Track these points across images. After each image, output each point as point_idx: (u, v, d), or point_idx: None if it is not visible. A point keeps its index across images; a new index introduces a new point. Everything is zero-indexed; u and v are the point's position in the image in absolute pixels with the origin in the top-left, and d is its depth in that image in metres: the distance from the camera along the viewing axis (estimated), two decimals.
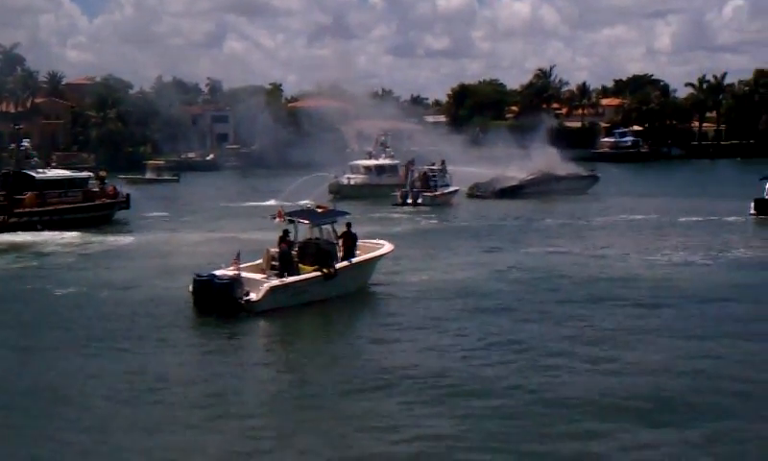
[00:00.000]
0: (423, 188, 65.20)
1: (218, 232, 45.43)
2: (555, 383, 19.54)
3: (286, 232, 28.36)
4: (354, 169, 74.74)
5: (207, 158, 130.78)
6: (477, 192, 70.29)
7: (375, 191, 69.23)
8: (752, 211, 51.45)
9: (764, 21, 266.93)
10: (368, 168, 74.05)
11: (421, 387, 19.22)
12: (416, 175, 67.29)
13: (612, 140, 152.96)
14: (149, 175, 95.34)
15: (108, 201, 54.82)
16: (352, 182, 72.50)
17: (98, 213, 52.98)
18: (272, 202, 57.54)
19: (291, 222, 28.80)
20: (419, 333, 24.31)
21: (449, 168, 69.46)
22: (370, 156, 76.57)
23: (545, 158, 76.32)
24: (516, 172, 73.36)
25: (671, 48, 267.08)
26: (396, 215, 58.02)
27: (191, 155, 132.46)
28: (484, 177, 72.50)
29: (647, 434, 16.56)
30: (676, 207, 57.50)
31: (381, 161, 74.41)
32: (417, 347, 22.85)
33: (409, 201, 63.59)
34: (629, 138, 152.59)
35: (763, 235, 45.69)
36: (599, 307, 27.45)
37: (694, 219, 51.40)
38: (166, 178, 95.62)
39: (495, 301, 28.62)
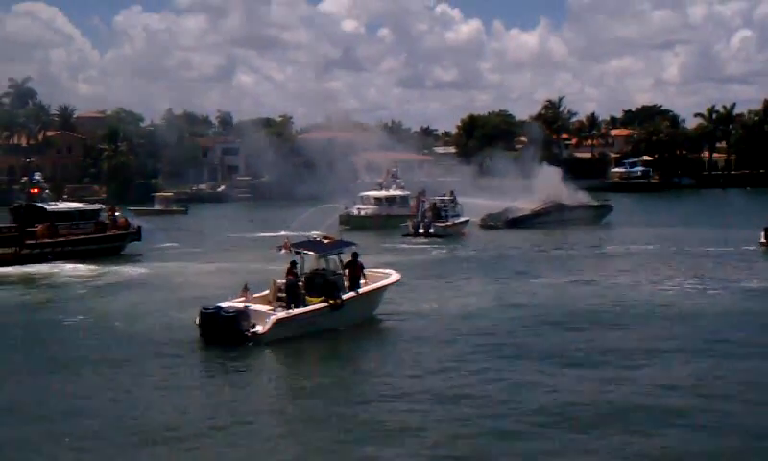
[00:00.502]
0: (435, 219, 65.26)
1: (228, 263, 45.47)
2: (568, 412, 19.35)
3: (294, 264, 28.23)
4: (365, 200, 74.88)
5: (218, 190, 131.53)
6: (489, 222, 70.31)
7: (386, 222, 69.34)
8: (762, 240, 51.26)
9: None
10: (378, 199, 74.18)
11: (430, 422, 18.97)
12: (427, 205, 67.37)
13: (623, 170, 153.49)
14: (157, 206, 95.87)
15: (120, 232, 54.89)
16: (363, 213, 72.64)
17: (109, 245, 53.00)
18: (282, 233, 57.53)
19: (297, 253, 28.67)
20: (425, 365, 24.05)
21: (459, 199, 69.64)
22: (380, 187, 76.70)
23: (549, 182, 76.36)
24: (527, 202, 73.39)
25: (679, 79, 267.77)
26: (406, 246, 57.97)
27: (202, 186, 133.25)
28: (492, 207, 72.59)
29: None
30: (686, 237, 57.38)
31: (392, 192, 74.56)
32: (423, 379, 22.59)
33: (421, 231, 63.59)
34: (639, 168, 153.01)
35: None
36: (608, 334, 27.44)
37: (705, 249, 51.21)
38: (174, 209, 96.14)
39: (504, 331, 28.43)
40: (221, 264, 45.51)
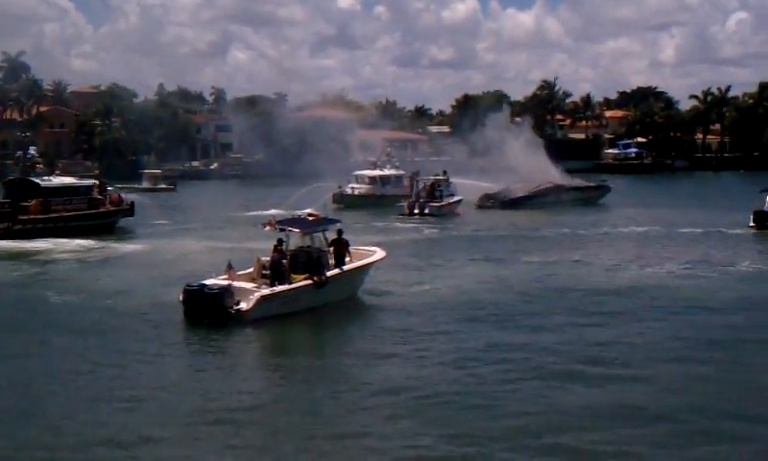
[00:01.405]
0: (429, 198, 65.23)
1: (220, 241, 45.33)
2: (554, 396, 19.33)
3: (280, 241, 28.17)
4: (359, 179, 74.90)
5: (211, 167, 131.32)
6: (487, 203, 70.26)
7: (380, 201, 69.48)
8: (751, 224, 51.27)
9: (767, 34, 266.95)
10: (372, 178, 74.20)
11: (410, 399, 19.00)
12: (421, 185, 67.35)
13: (617, 152, 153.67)
14: (145, 184, 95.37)
15: (113, 208, 54.84)
16: (356, 192, 72.63)
17: (102, 221, 52.97)
18: (275, 211, 57.50)
19: (282, 230, 28.67)
20: (409, 343, 24.05)
21: (453, 179, 69.66)
22: (375, 166, 76.72)
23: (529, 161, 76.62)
24: (524, 183, 73.34)
25: (675, 60, 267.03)
26: (400, 225, 57.97)
27: (195, 163, 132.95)
28: (485, 188, 72.49)
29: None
30: (679, 219, 57.36)
31: (386, 172, 74.54)
32: (407, 357, 22.62)
33: (416, 211, 63.55)
34: (633, 150, 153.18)
35: (762, 248, 45.38)
36: (596, 318, 27.34)
37: (696, 230, 51.28)
38: (163, 187, 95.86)
39: (490, 311, 28.35)
40: (212, 242, 45.41)
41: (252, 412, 18.51)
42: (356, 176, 75.61)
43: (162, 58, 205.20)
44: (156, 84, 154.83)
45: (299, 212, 33.58)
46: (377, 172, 74.91)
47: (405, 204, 64.83)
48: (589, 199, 74.78)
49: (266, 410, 18.92)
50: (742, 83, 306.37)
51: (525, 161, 77.34)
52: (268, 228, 28.61)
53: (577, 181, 78.60)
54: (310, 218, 30.31)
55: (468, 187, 71.38)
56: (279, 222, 29.31)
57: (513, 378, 20.48)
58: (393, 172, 74.80)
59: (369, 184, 73.79)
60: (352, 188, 73.30)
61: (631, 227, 54.69)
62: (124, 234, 51.96)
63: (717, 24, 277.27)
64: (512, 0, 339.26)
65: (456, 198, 67.47)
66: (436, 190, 66.54)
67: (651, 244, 46.55)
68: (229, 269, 26.92)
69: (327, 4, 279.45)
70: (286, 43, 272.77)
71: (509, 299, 30.61)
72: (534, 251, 43.63)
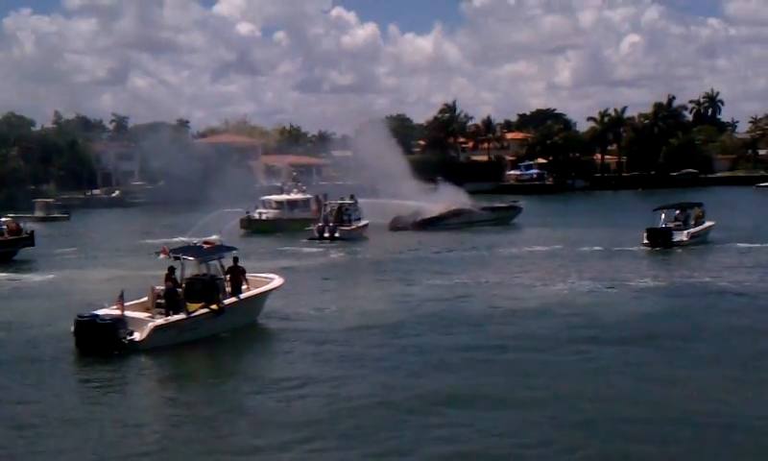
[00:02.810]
0: (337, 222, 64.97)
1: (124, 270, 44.35)
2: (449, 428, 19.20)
3: (172, 269, 27.71)
4: (266, 204, 74.29)
5: (113, 195, 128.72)
6: (398, 224, 70.32)
7: (288, 225, 69.01)
8: (645, 241, 52.29)
9: (660, 56, 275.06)
10: (280, 203, 73.71)
11: (305, 426, 18.89)
12: (329, 209, 67.04)
13: (519, 173, 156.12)
14: (38, 213, 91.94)
15: (11, 238, 53.32)
16: (264, 217, 72.08)
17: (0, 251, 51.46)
18: (181, 238, 56.64)
19: (177, 259, 28.15)
20: (306, 369, 23.92)
21: (360, 201, 69.66)
22: (281, 190, 76.27)
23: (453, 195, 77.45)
24: (436, 205, 73.84)
25: (571, 83, 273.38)
26: (308, 249, 57.68)
27: (96, 192, 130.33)
28: (392, 209, 72.64)
29: None
30: (579, 238, 58.38)
31: (293, 196, 74.12)
32: (304, 383, 22.43)
33: (326, 235, 63.19)
34: (534, 171, 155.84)
35: (654, 265, 46.41)
36: (497, 336, 27.70)
37: (595, 249, 52.13)
38: (56, 215, 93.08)
39: (391, 333, 28.33)
40: (117, 271, 44.36)
41: (143, 445, 18.14)
42: (263, 201, 75.01)
43: (60, 85, 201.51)
44: (53, 112, 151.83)
45: (194, 240, 33.00)
46: (284, 196, 74.45)
47: (314, 227, 64.38)
48: (501, 219, 75.47)
49: (159, 442, 18.45)
50: (637, 103, 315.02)
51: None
52: (162, 256, 27.99)
53: (487, 204, 79.51)
54: (205, 246, 29.88)
55: (380, 207, 71.48)
56: (174, 250, 28.76)
57: (404, 406, 20.22)
58: (300, 196, 74.38)
59: (276, 209, 73.27)
60: (260, 213, 72.71)
61: (535, 246, 55.27)
62: (23, 265, 50.44)
63: (611, 47, 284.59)
64: (410, 25, 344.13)
65: (364, 221, 67.41)
66: (344, 214, 66.31)
67: (552, 263, 47.20)
68: (120, 299, 26.13)
69: (227, 30, 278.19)
70: (187, 70, 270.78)
71: (409, 320, 30.55)
72: (441, 272, 43.81)
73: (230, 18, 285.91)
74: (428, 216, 71.39)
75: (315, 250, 57.54)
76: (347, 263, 51.28)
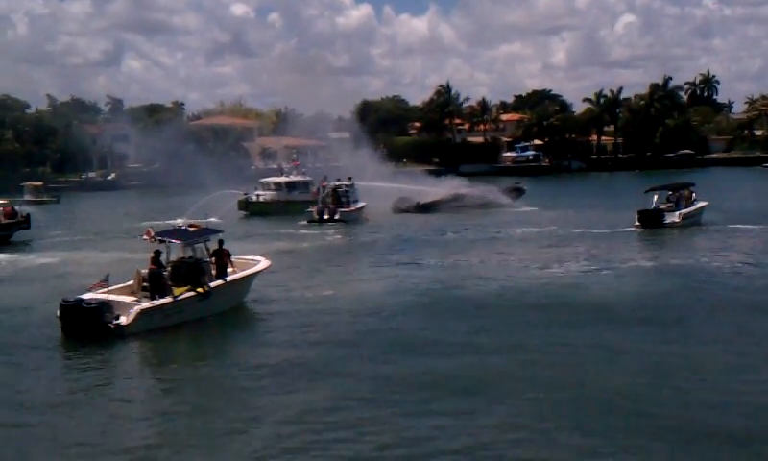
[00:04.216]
0: (336, 204, 64.78)
1: (120, 252, 44.23)
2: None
3: (158, 253, 27.61)
4: (265, 186, 74.28)
5: (109, 178, 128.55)
6: (401, 206, 70.32)
7: (286, 207, 68.87)
8: (636, 223, 52.25)
9: (655, 37, 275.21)
10: (278, 185, 73.59)
11: (294, 412, 18.75)
12: (325, 191, 66.74)
13: (514, 155, 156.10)
14: (27, 196, 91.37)
15: (6, 222, 53.29)
16: (262, 199, 71.96)
17: None
18: (179, 220, 56.56)
19: (162, 242, 27.99)
20: (293, 353, 23.76)
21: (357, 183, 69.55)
22: (281, 172, 76.16)
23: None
24: (439, 187, 73.85)
25: (566, 64, 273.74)
26: (307, 231, 57.62)
27: (92, 174, 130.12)
28: (392, 192, 72.62)
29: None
30: (574, 220, 58.40)
31: (292, 178, 73.96)
32: (292, 367, 22.29)
33: (326, 217, 63.03)
34: (530, 153, 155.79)
35: (643, 246, 46.43)
36: (495, 318, 27.55)
37: (588, 231, 52.06)
38: (45, 199, 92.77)
39: (381, 317, 28.09)
40: (114, 253, 44.31)
41: (132, 429, 18.20)
42: (262, 182, 74.98)
43: (54, 67, 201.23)
44: (48, 94, 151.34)
45: (179, 222, 32.75)
46: (284, 178, 74.34)
47: (314, 209, 64.19)
48: (506, 201, 75.06)
49: (146, 427, 18.45)
50: (632, 84, 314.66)
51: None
52: (146, 238, 27.81)
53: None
54: (191, 229, 29.69)
55: (375, 191, 71.41)
56: (159, 233, 28.47)
57: (391, 392, 19.99)
58: (299, 178, 74.23)
59: (274, 191, 73.15)
60: (257, 195, 72.62)
61: (529, 228, 55.17)
62: (19, 247, 50.39)
63: (606, 27, 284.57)
64: (405, 6, 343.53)
65: (361, 203, 67.28)
66: (342, 195, 66.16)
67: (546, 245, 47.20)
68: (103, 281, 25.79)
69: (221, 12, 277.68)
70: (181, 51, 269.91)
71: (400, 304, 30.17)
72: (436, 254, 43.78)
73: (224, 0, 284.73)
74: (432, 199, 71.32)
75: (314, 231, 57.47)
76: (345, 245, 51.27)
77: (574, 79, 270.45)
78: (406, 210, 69.16)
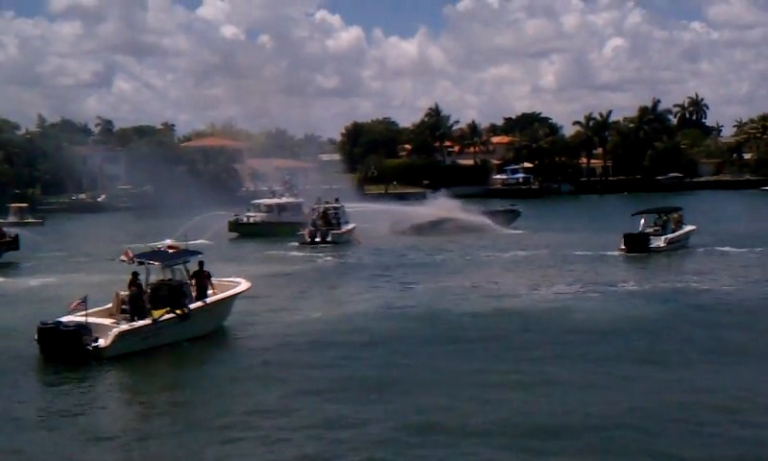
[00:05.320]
0: (326, 226, 64.72)
1: (106, 275, 43.95)
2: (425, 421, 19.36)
3: (136, 275, 27.49)
4: (256, 207, 74.31)
5: (98, 199, 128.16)
6: (396, 228, 70.33)
7: (277, 229, 68.83)
8: (621, 246, 52.02)
9: (643, 60, 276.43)
10: (269, 206, 73.64)
11: (275, 431, 18.83)
12: (315, 213, 66.61)
13: (504, 177, 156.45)
14: (11, 218, 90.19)
15: None
16: (252, 220, 71.98)
17: None
18: (167, 241, 56.35)
19: (141, 264, 27.81)
20: (273, 374, 23.70)
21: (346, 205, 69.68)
22: (273, 194, 76.21)
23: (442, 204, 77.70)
24: (434, 209, 73.94)
25: (556, 86, 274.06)
26: (299, 253, 57.65)
27: (81, 196, 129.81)
28: (381, 214, 72.73)
29: None
30: (562, 241, 58.59)
31: (283, 200, 74.02)
32: (270, 389, 22.27)
33: (317, 239, 62.95)
34: (520, 175, 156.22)
35: (632, 271, 46.18)
36: (478, 347, 27.28)
37: (576, 253, 52.17)
38: (30, 221, 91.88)
39: (362, 341, 27.86)
40: (103, 275, 44.00)
41: (107, 452, 18.12)
42: (254, 204, 75.04)
43: (44, 89, 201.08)
44: (38, 115, 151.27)
45: (158, 244, 32.55)
46: (274, 200, 74.37)
47: (305, 231, 64.01)
48: (500, 223, 75.02)
49: (122, 451, 18.35)
50: (621, 107, 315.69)
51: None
52: (124, 259, 27.63)
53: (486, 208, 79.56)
54: (170, 250, 29.42)
55: (365, 212, 71.40)
56: (138, 255, 28.33)
57: (365, 418, 19.83)
58: (291, 200, 74.25)
59: (265, 212, 73.19)
60: (248, 216, 72.63)
61: (517, 251, 55.10)
62: (6, 269, 50.21)
63: (595, 51, 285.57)
64: (394, 29, 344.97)
65: (351, 225, 67.25)
66: (332, 218, 66.12)
67: (534, 268, 47.27)
68: (80, 302, 25.65)
69: (211, 34, 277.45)
70: (171, 73, 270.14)
71: (384, 328, 30.01)
72: (426, 277, 43.78)
73: (214, 21, 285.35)
74: (426, 220, 71.32)
75: (305, 253, 57.41)
76: (335, 267, 51.12)
77: (563, 101, 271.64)
78: (402, 232, 69.15)
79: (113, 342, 25.19)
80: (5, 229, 57.49)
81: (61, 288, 40.75)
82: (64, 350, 24.85)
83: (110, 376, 24.32)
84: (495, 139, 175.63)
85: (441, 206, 76.60)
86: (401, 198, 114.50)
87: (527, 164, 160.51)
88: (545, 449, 17.63)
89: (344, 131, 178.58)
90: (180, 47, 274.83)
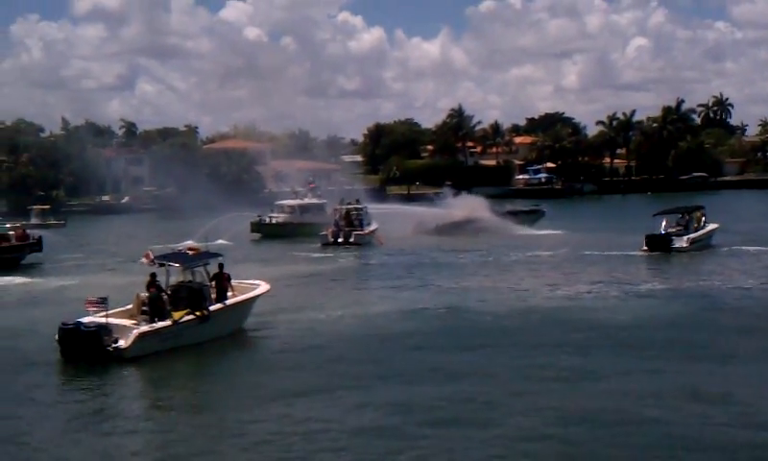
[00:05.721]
0: (348, 227, 64.71)
1: (129, 276, 44.11)
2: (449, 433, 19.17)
3: (154, 276, 27.55)
4: (279, 208, 74.52)
5: (122, 201, 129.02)
6: (421, 229, 70.23)
7: (299, 230, 69.01)
8: (644, 247, 51.78)
9: (666, 60, 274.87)
10: (292, 207, 73.84)
11: (294, 436, 18.74)
12: (337, 214, 66.58)
13: (527, 177, 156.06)
14: (34, 220, 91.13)
15: (18, 244, 53.60)
16: (275, 221, 72.11)
17: (6, 256, 51.79)
18: (189, 242, 56.56)
19: (162, 265, 27.96)
20: (294, 378, 23.59)
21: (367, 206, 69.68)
22: (295, 195, 76.36)
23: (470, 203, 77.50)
24: (458, 210, 73.85)
25: (578, 86, 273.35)
26: (321, 255, 57.51)
27: (105, 198, 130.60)
28: (405, 214, 72.67)
29: None
30: (582, 242, 58.27)
31: (306, 201, 74.17)
32: (290, 390, 22.20)
33: (340, 240, 62.86)
34: (543, 175, 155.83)
35: (654, 270, 46.05)
36: (504, 344, 27.43)
37: (597, 253, 51.95)
38: (52, 222, 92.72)
39: (382, 344, 27.77)
40: (126, 277, 44.18)
41: (129, 454, 18.18)
42: (277, 205, 75.23)
43: (68, 92, 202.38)
44: (61, 118, 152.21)
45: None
46: (297, 201, 74.52)
47: (328, 232, 63.91)
48: (524, 223, 74.88)
49: (144, 451, 18.44)
50: (644, 107, 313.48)
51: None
52: (144, 261, 27.79)
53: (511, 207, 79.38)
54: (190, 252, 29.55)
55: (387, 213, 71.31)
56: (158, 257, 28.52)
57: (392, 421, 19.80)
58: (314, 200, 74.41)
59: (288, 213, 73.33)
60: (271, 217, 72.78)
61: (539, 252, 54.85)
62: (30, 270, 50.52)
63: (617, 50, 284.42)
64: (416, 30, 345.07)
65: (374, 226, 67.19)
66: (355, 218, 66.13)
67: (555, 267, 47.21)
68: (98, 301, 25.74)
69: (234, 36, 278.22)
70: (195, 75, 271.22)
71: (404, 330, 29.88)
72: (448, 277, 43.70)
73: (237, 23, 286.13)
74: (451, 220, 71.03)
75: (328, 254, 57.30)
76: (358, 268, 51.18)
77: (586, 101, 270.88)
78: (426, 233, 69.01)
79: (133, 343, 25.29)
80: (28, 230, 57.83)
81: (83, 289, 40.93)
82: (85, 350, 24.97)
83: (130, 377, 24.46)
84: (518, 140, 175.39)
85: (468, 204, 76.29)
86: (413, 199, 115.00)
87: (550, 164, 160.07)
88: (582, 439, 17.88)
89: (366, 132, 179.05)
90: (203, 49, 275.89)
